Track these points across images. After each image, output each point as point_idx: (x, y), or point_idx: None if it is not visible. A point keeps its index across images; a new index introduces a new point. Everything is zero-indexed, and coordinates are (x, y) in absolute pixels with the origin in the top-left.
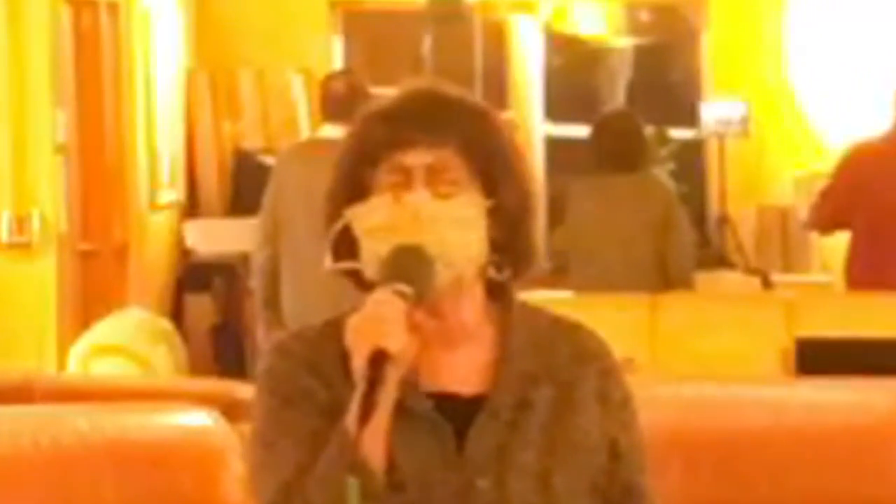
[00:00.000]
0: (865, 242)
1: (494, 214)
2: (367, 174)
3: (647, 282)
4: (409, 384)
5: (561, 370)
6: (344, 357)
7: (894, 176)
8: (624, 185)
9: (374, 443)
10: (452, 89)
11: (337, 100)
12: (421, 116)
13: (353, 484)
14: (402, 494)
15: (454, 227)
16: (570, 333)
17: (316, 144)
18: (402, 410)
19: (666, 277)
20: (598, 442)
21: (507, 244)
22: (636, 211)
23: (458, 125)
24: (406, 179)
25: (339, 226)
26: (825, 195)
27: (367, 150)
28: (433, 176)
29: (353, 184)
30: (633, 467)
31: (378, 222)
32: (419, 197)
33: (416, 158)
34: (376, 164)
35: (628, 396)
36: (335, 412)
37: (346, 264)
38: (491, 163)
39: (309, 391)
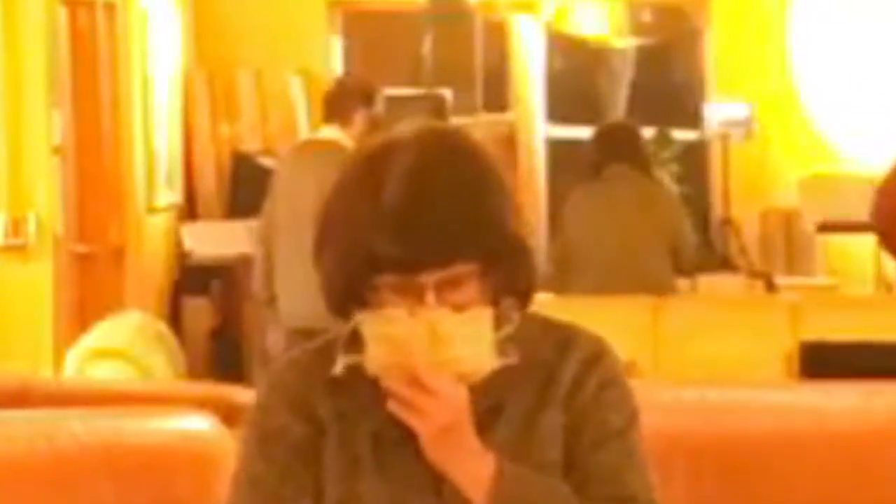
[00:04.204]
0: None
1: (499, 291)
2: (367, 278)
3: (652, 284)
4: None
5: (540, 366)
6: (333, 384)
7: None
8: (626, 190)
9: None
10: (445, 171)
11: (328, 101)
12: (429, 235)
13: None
14: None
15: (466, 343)
16: (558, 331)
17: (306, 145)
18: (378, 438)
19: (669, 279)
20: (558, 434)
21: (512, 296)
22: (641, 215)
23: (469, 234)
24: (418, 293)
25: (349, 328)
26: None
27: (372, 267)
28: (445, 288)
29: (354, 282)
30: (605, 455)
31: (391, 335)
32: (434, 314)
33: (429, 276)
34: (378, 275)
35: (609, 381)
36: (309, 446)
37: (354, 358)
38: (498, 247)
39: (283, 430)
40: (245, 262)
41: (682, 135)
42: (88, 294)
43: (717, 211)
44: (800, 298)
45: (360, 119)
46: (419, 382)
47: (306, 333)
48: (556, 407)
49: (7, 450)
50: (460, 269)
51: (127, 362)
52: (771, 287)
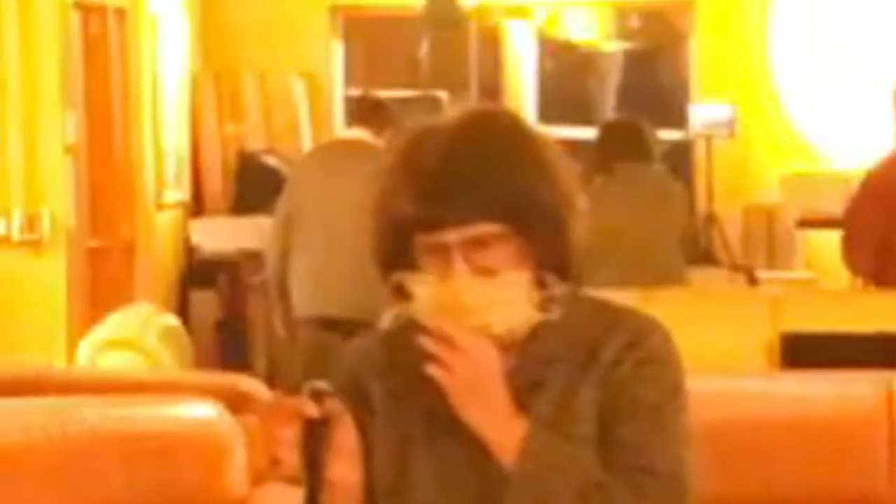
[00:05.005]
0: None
1: (537, 261)
2: (405, 241)
3: (670, 275)
4: (430, 384)
5: (584, 345)
6: (384, 368)
7: None
8: (642, 185)
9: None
10: (477, 141)
11: (351, 111)
12: (449, 193)
13: None
14: (419, 494)
15: (496, 308)
16: (609, 312)
17: (330, 146)
18: (430, 415)
19: (682, 270)
20: (592, 410)
21: (554, 269)
22: (657, 209)
23: (493, 192)
24: (446, 256)
25: (390, 286)
26: (859, 233)
27: (402, 228)
28: (472, 250)
29: (394, 246)
30: (634, 427)
31: (423, 296)
32: (461, 281)
33: (452, 236)
34: (413, 236)
35: (648, 360)
36: (363, 429)
37: (403, 309)
38: (526, 208)
39: None
40: (250, 256)
41: (667, 135)
42: (100, 287)
43: (701, 207)
44: (780, 291)
45: (384, 126)
46: (447, 340)
47: (316, 324)
48: (594, 385)
49: (22, 436)
50: (483, 229)
51: (137, 352)
52: (753, 280)
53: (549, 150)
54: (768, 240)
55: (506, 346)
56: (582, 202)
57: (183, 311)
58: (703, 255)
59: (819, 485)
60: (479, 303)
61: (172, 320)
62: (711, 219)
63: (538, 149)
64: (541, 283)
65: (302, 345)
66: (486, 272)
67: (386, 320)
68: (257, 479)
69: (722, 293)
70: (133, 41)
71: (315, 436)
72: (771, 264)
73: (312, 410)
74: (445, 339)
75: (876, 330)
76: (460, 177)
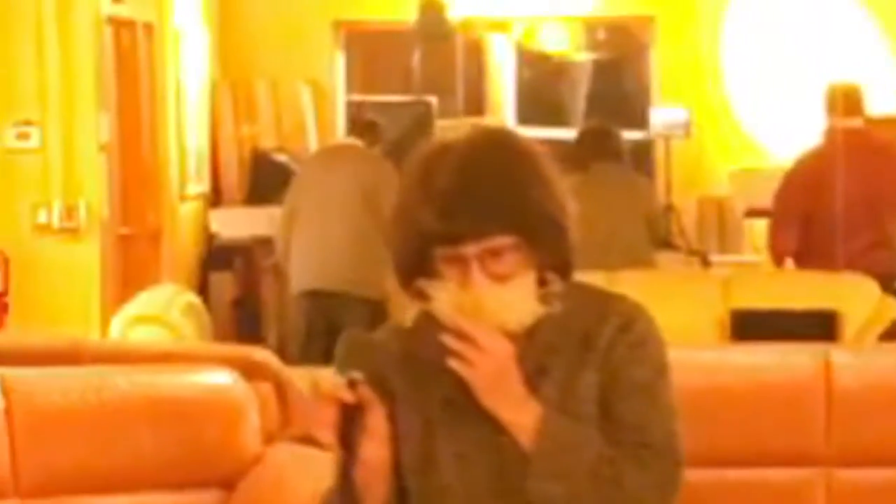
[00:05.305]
0: (818, 238)
1: (541, 263)
2: (426, 252)
3: (636, 259)
4: (454, 378)
5: (580, 333)
6: (403, 359)
7: (837, 173)
8: (613, 181)
9: (369, 485)
10: (488, 162)
11: (349, 127)
12: (467, 211)
13: None
14: (442, 471)
15: (509, 309)
16: (600, 299)
17: (330, 149)
18: (448, 402)
19: (648, 253)
20: (593, 391)
21: (554, 269)
22: (626, 202)
23: (505, 209)
24: (464, 266)
25: (412, 292)
26: (783, 218)
27: (424, 242)
28: (487, 259)
29: (415, 256)
30: (632, 405)
31: (444, 300)
32: (479, 288)
33: (471, 249)
34: (433, 248)
35: (639, 343)
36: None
37: (423, 307)
38: (533, 222)
39: None
40: (262, 242)
41: (630, 135)
42: (130, 269)
43: (660, 199)
44: (730, 273)
45: (375, 141)
46: (469, 338)
47: (309, 296)
48: (593, 368)
49: (62, 400)
50: (498, 241)
51: (162, 326)
52: (706, 263)
53: (547, 165)
54: (719, 228)
55: (512, 336)
56: (573, 207)
57: (203, 290)
58: (662, 242)
59: (765, 444)
60: (496, 306)
61: (194, 298)
62: (669, 209)
63: (539, 165)
64: (542, 281)
65: (298, 315)
66: (500, 278)
67: (407, 320)
68: (269, 438)
69: (679, 275)
70: (159, 52)
71: (350, 419)
72: (722, 249)
73: (348, 397)
74: (466, 338)
75: (814, 307)
76: (476, 196)
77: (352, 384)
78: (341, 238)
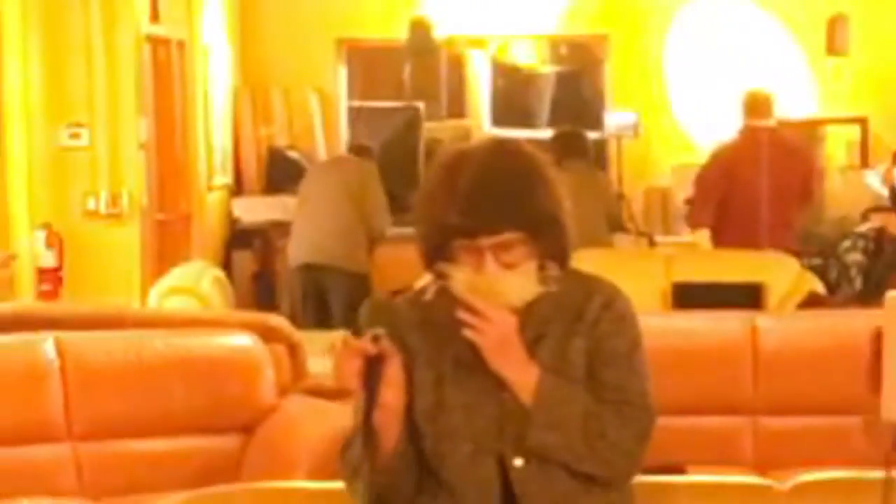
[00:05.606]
0: (732, 218)
1: (541, 253)
2: (446, 242)
3: (597, 243)
4: (465, 341)
5: (571, 308)
6: (420, 322)
7: (750, 164)
8: (581, 178)
9: (387, 426)
10: (502, 167)
11: (348, 148)
12: (484, 209)
13: (360, 485)
14: (450, 417)
15: (516, 291)
16: (588, 282)
17: (336, 159)
18: (458, 360)
19: (607, 238)
20: (581, 356)
21: (553, 258)
22: (590, 195)
23: (516, 211)
24: (479, 255)
25: (433, 272)
26: (703, 198)
27: (445, 234)
28: (499, 250)
29: (437, 245)
30: (614, 370)
31: (462, 280)
32: (492, 275)
33: (485, 242)
34: (452, 239)
35: (619, 318)
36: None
37: (442, 283)
38: (538, 221)
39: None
40: (277, 225)
41: (588, 135)
42: (165, 249)
43: (615, 189)
44: (672, 251)
45: (367, 156)
46: (479, 312)
47: (303, 269)
48: (581, 337)
49: (108, 360)
50: (509, 236)
51: (193, 297)
52: (652, 243)
53: (549, 170)
54: (663, 213)
55: (515, 311)
56: (569, 205)
57: (227, 266)
58: (617, 226)
59: (702, 395)
60: (505, 289)
61: (219, 273)
62: (621, 198)
63: (543, 171)
64: (542, 266)
65: (295, 283)
66: (509, 266)
67: (430, 291)
68: (282, 391)
69: (629, 253)
70: (189, 65)
71: (372, 369)
72: (665, 231)
73: (371, 349)
74: (478, 313)
75: (743, 280)
76: (492, 199)
77: (375, 339)
78: (331, 224)
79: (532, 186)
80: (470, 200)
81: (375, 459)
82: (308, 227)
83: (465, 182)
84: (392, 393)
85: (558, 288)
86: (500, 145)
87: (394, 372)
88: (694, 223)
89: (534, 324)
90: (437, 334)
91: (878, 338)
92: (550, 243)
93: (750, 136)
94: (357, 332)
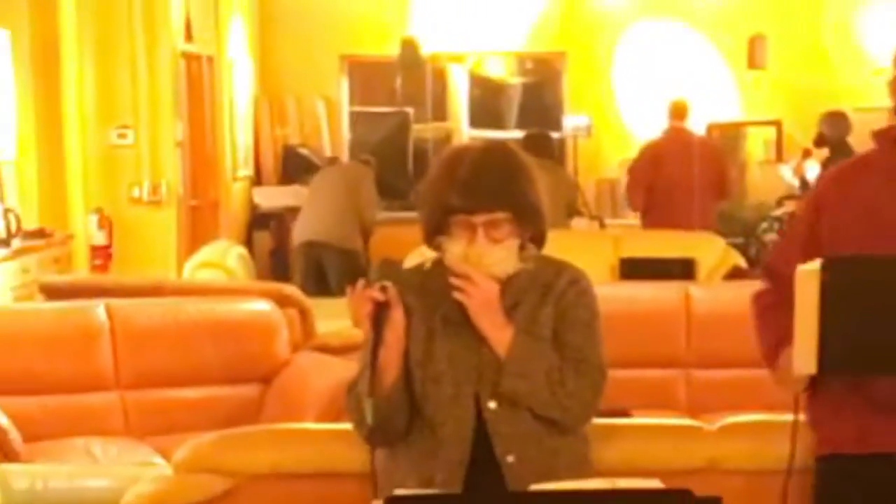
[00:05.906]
0: (658, 202)
1: (523, 234)
2: (445, 218)
3: (555, 223)
4: (454, 303)
5: (543, 282)
6: (419, 286)
7: (672, 157)
8: (546, 174)
9: (389, 361)
10: (495, 163)
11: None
12: (480, 193)
13: (368, 402)
14: (437, 365)
15: (502, 263)
16: (559, 264)
17: (339, 164)
18: (446, 318)
19: (566, 222)
20: (549, 321)
21: (533, 240)
22: (554, 188)
23: (505, 195)
24: (472, 230)
25: (433, 245)
26: (633, 185)
27: (446, 212)
28: (489, 227)
29: (438, 221)
30: (576, 334)
31: (456, 252)
32: (482, 247)
33: (479, 219)
34: (451, 216)
35: (583, 292)
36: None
37: (439, 256)
38: (522, 206)
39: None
40: (290, 210)
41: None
42: (197, 229)
43: (571, 180)
44: (619, 232)
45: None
46: (468, 278)
47: (305, 245)
48: (550, 306)
49: (148, 324)
50: (498, 216)
51: (221, 270)
52: (602, 225)
53: (533, 169)
54: (612, 200)
55: (498, 280)
56: (547, 200)
57: (249, 244)
58: (574, 211)
59: (643, 352)
60: (492, 260)
61: (242, 250)
62: (576, 188)
63: (528, 169)
64: (522, 246)
65: (298, 258)
66: (496, 241)
67: (428, 262)
68: (295, 348)
69: (583, 233)
70: (217, 77)
71: (380, 313)
72: (613, 216)
73: (380, 296)
74: (468, 278)
75: (678, 255)
76: (487, 184)
77: (383, 289)
78: (330, 210)
79: (519, 179)
80: (468, 186)
81: (380, 388)
82: (312, 212)
83: (464, 172)
84: (394, 334)
85: (534, 266)
86: (493, 145)
87: (397, 317)
88: (630, 206)
89: (512, 292)
90: (431, 296)
91: (754, 301)
92: (532, 227)
93: (672, 134)
94: (368, 284)
